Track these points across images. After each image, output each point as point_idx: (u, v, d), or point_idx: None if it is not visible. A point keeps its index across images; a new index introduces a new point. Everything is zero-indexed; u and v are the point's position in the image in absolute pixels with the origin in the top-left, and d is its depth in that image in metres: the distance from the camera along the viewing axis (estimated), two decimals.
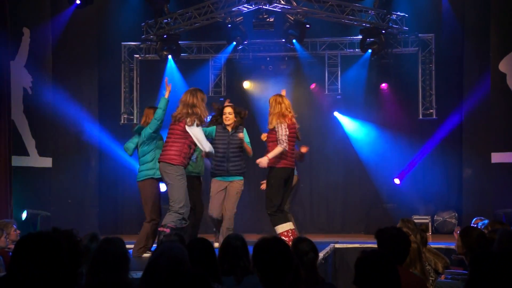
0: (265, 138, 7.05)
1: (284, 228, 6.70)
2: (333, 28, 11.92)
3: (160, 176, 6.75)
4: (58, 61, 10.77)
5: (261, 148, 8.75)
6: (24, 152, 9.93)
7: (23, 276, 2.16)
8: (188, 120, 6.50)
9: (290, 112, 6.86)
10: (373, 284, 2.96)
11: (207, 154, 7.09)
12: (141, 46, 12.21)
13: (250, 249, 3.49)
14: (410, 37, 11.61)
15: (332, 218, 12.26)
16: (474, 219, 7.68)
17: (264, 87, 11.73)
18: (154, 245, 6.87)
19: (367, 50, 11.34)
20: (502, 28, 10.36)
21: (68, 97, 11.21)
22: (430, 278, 5.05)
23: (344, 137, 12.09)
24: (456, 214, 11.15)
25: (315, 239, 4.63)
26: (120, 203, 12.29)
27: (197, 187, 7.39)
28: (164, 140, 6.85)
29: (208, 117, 7.01)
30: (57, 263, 2.66)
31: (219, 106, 7.66)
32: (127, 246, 3.52)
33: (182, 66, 12.05)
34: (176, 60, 11.82)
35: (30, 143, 10.07)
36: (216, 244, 6.65)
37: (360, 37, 11.43)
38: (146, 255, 6.81)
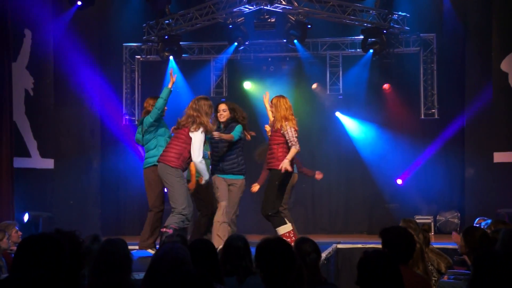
0: (268, 129, 7.06)
1: (286, 230, 6.71)
2: (335, 28, 11.91)
3: None
4: (60, 63, 10.78)
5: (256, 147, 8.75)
6: (26, 154, 9.94)
7: (26, 277, 2.16)
8: (193, 127, 6.54)
9: (292, 114, 6.88)
10: (375, 284, 2.95)
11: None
12: (142, 47, 12.21)
13: (252, 249, 3.49)
14: (412, 37, 11.60)
15: (335, 218, 12.25)
16: (477, 219, 7.67)
17: (266, 88, 11.72)
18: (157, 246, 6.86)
19: (368, 50, 11.34)
20: (504, 27, 10.34)
21: (70, 98, 11.23)
22: (433, 278, 5.04)
23: (346, 137, 12.08)
24: (459, 214, 11.13)
25: (318, 239, 4.62)
26: (122, 204, 12.30)
27: (207, 188, 7.36)
28: (169, 129, 6.97)
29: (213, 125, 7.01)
30: (60, 264, 2.66)
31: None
32: (130, 247, 3.52)
33: (184, 67, 12.05)
34: (177, 61, 11.82)
35: (32, 145, 10.08)
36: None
37: (361, 37, 11.42)
38: (152, 251, 6.80)
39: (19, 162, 9.42)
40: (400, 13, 11.28)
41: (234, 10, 11.04)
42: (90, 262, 3.37)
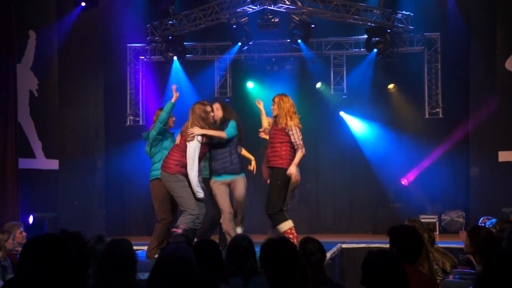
0: (264, 135, 6.98)
1: (287, 226, 6.69)
2: (338, 28, 11.90)
3: None
4: (64, 64, 10.80)
5: (260, 147, 8.72)
6: (31, 155, 9.97)
7: (31, 278, 2.16)
8: (189, 137, 6.47)
9: (295, 112, 6.85)
10: (380, 284, 2.95)
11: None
12: (146, 47, 12.23)
13: (257, 249, 3.49)
14: (416, 36, 11.58)
15: (339, 218, 12.24)
16: (482, 218, 7.66)
17: (270, 88, 11.73)
18: None
19: (372, 50, 11.32)
20: (508, 26, 10.32)
21: (74, 99, 11.26)
22: (438, 277, 5.03)
23: (350, 137, 12.07)
24: (464, 213, 11.11)
25: (322, 239, 4.62)
26: (127, 204, 12.32)
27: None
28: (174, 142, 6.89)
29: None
30: (65, 265, 2.66)
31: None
32: (134, 247, 3.52)
33: (188, 67, 12.06)
34: (181, 61, 11.83)
35: (36, 146, 10.11)
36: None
37: (365, 36, 11.41)
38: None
39: (24, 163, 9.45)
40: (404, 12, 11.26)
41: (238, 10, 11.04)
42: (95, 263, 3.38)
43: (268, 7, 10.84)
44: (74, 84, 11.18)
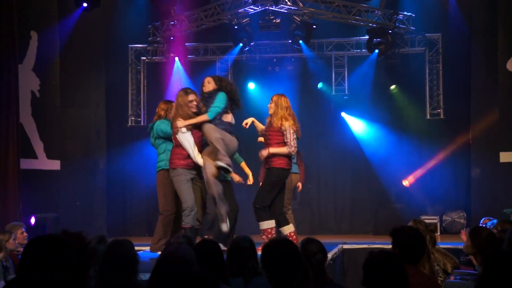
0: (266, 154, 6.84)
1: (269, 225, 6.70)
2: (340, 29, 11.91)
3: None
4: (66, 64, 10.82)
5: (259, 148, 8.71)
6: (33, 155, 9.97)
7: (33, 278, 2.17)
8: (175, 131, 6.45)
9: (292, 114, 6.85)
10: (381, 284, 2.95)
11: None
12: (148, 48, 12.24)
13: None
14: (417, 37, 11.58)
15: (340, 218, 12.24)
16: (483, 219, 7.65)
17: (271, 88, 11.73)
18: None
19: (374, 51, 11.33)
20: (509, 27, 10.31)
21: (76, 99, 11.27)
22: (439, 278, 5.03)
23: (351, 137, 12.07)
24: (465, 214, 11.11)
25: (324, 240, 4.62)
26: (129, 205, 12.33)
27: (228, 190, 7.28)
28: None
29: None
30: (67, 265, 2.67)
31: None
32: (136, 248, 3.53)
33: (189, 67, 12.07)
34: (183, 62, 11.84)
35: (38, 146, 10.12)
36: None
37: (366, 37, 11.42)
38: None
39: (26, 164, 9.46)
40: (405, 13, 11.26)
41: (239, 11, 11.05)
42: (97, 263, 3.39)
43: (270, 8, 10.85)
44: (75, 85, 11.19)
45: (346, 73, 11.93)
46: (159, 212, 7.03)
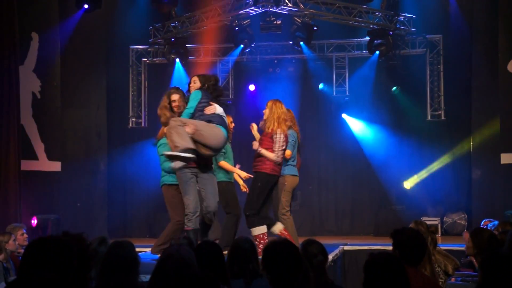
0: (257, 147, 6.86)
1: (260, 231, 6.70)
2: (341, 30, 11.91)
3: (173, 182, 6.72)
4: (67, 65, 10.82)
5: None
6: (33, 156, 9.97)
7: (33, 280, 2.17)
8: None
9: (286, 120, 6.83)
10: (382, 286, 2.95)
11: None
12: (149, 49, 12.25)
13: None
14: (418, 38, 11.59)
15: (341, 220, 12.24)
16: (483, 221, 7.65)
17: (272, 90, 11.74)
18: None
19: (374, 52, 11.33)
20: (510, 28, 10.30)
21: (77, 101, 11.27)
22: (440, 280, 5.03)
23: (352, 139, 12.07)
24: (466, 216, 11.10)
25: (324, 241, 4.63)
26: (129, 206, 12.33)
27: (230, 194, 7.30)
28: None
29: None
30: (68, 267, 2.67)
31: None
32: (137, 249, 3.53)
33: (190, 69, 12.07)
34: (184, 63, 11.85)
35: (39, 147, 10.12)
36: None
37: (367, 38, 11.42)
38: None
39: (27, 165, 9.46)
40: (406, 14, 11.27)
41: (240, 12, 11.05)
42: (97, 265, 3.39)
43: (271, 9, 10.85)
44: (76, 86, 11.20)
45: (347, 74, 11.93)
46: (170, 220, 7.03)
